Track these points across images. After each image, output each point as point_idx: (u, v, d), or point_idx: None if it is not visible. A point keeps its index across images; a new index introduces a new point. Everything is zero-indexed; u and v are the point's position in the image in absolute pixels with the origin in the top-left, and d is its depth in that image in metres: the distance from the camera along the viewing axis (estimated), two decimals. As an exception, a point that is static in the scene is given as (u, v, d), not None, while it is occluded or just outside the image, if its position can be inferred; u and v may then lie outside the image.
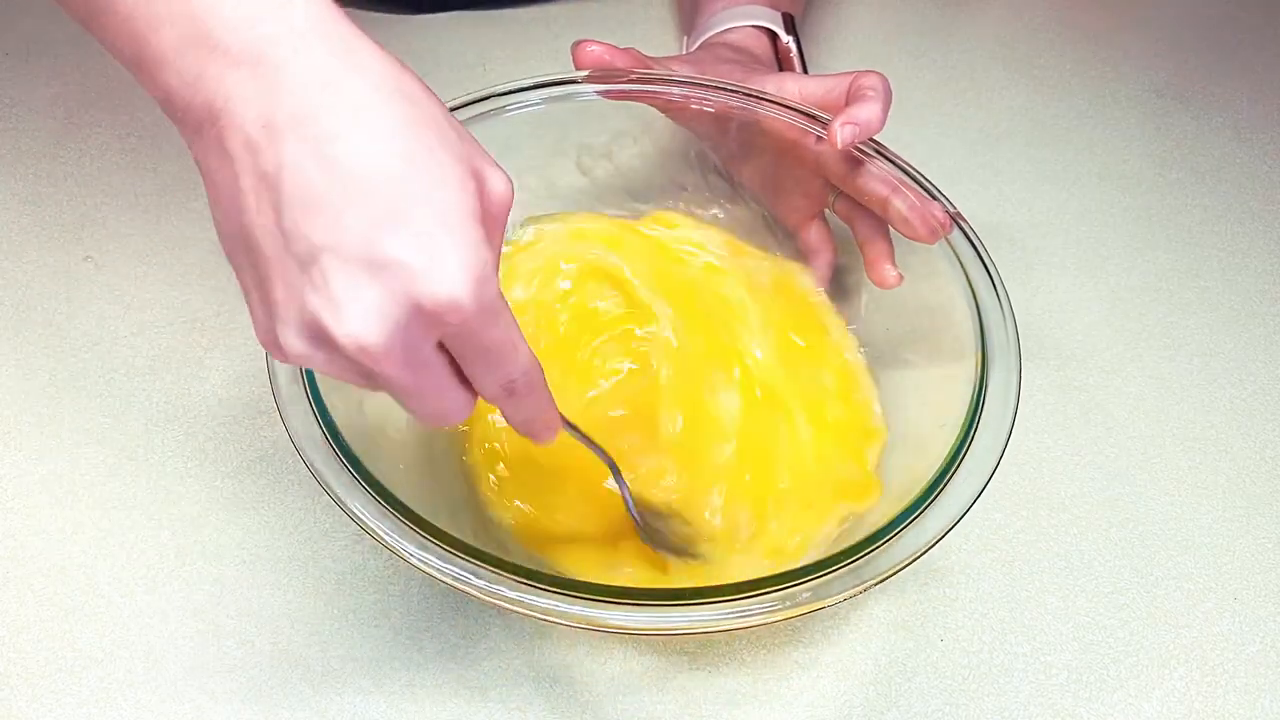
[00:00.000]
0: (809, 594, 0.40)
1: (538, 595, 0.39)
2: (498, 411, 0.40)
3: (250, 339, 0.57)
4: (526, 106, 0.53)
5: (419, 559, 0.39)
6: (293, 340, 0.33)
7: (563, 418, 0.41)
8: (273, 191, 0.31)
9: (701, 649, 0.49)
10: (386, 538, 0.40)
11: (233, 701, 0.46)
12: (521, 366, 0.36)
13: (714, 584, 0.40)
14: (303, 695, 0.47)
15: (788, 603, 0.39)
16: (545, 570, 0.40)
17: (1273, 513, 0.55)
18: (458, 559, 0.39)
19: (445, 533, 0.40)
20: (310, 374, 0.44)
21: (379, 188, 0.31)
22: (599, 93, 0.54)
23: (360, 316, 0.31)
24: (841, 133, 0.49)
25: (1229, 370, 0.61)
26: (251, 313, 0.35)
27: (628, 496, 0.47)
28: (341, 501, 0.41)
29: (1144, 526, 0.54)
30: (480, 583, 0.39)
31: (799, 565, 0.41)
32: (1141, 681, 0.49)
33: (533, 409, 0.38)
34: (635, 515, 0.48)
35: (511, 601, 0.39)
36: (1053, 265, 0.65)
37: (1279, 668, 0.50)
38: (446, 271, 0.31)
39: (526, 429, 0.39)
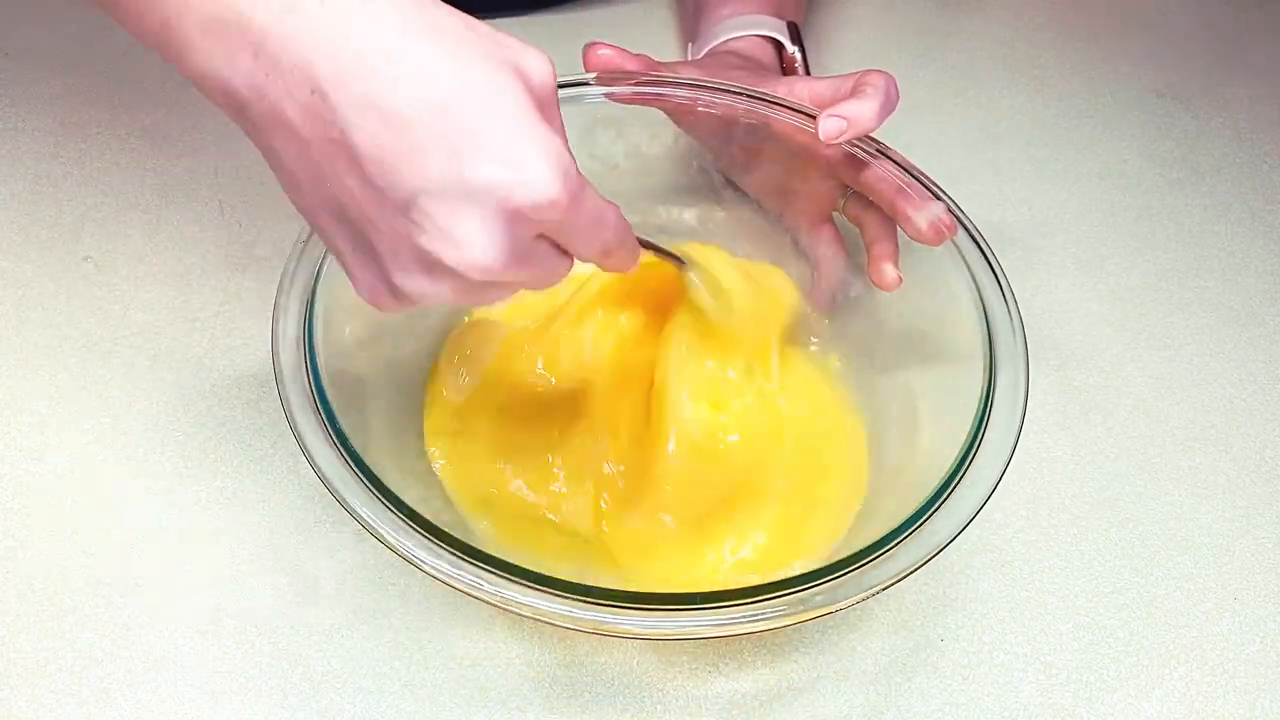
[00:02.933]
0: (822, 597, 0.40)
1: (548, 600, 0.39)
2: None
3: (251, 339, 0.57)
4: None
5: (430, 565, 0.39)
6: (412, 282, 0.35)
7: (639, 241, 0.43)
8: (346, 154, 0.33)
9: (702, 649, 0.49)
10: (391, 540, 0.40)
11: (233, 701, 0.46)
12: (613, 230, 0.38)
13: (725, 589, 0.40)
14: (303, 695, 0.47)
15: (800, 606, 0.39)
16: (550, 574, 0.40)
17: (1273, 513, 0.55)
18: (468, 564, 0.39)
19: (455, 538, 0.40)
20: (317, 376, 0.43)
21: (441, 122, 0.32)
22: (607, 95, 0.54)
23: (475, 243, 0.33)
24: (825, 124, 0.49)
25: (1229, 370, 0.61)
26: (350, 273, 0.36)
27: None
28: (348, 505, 0.41)
29: (1144, 526, 0.54)
30: (491, 588, 0.39)
31: (809, 570, 0.41)
32: (1141, 681, 0.49)
33: (624, 259, 0.40)
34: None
35: (521, 606, 0.39)
36: (1053, 265, 0.65)
37: (1279, 668, 0.50)
38: (533, 175, 0.33)
39: (618, 269, 0.41)
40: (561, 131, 0.36)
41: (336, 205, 0.35)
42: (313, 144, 0.33)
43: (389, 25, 0.33)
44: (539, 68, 0.36)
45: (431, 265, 0.34)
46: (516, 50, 0.35)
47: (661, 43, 0.74)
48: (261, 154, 0.36)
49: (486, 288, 0.36)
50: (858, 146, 0.52)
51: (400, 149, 0.33)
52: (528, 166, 0.33)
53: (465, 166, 0.33)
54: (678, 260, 0.48)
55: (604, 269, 0.41)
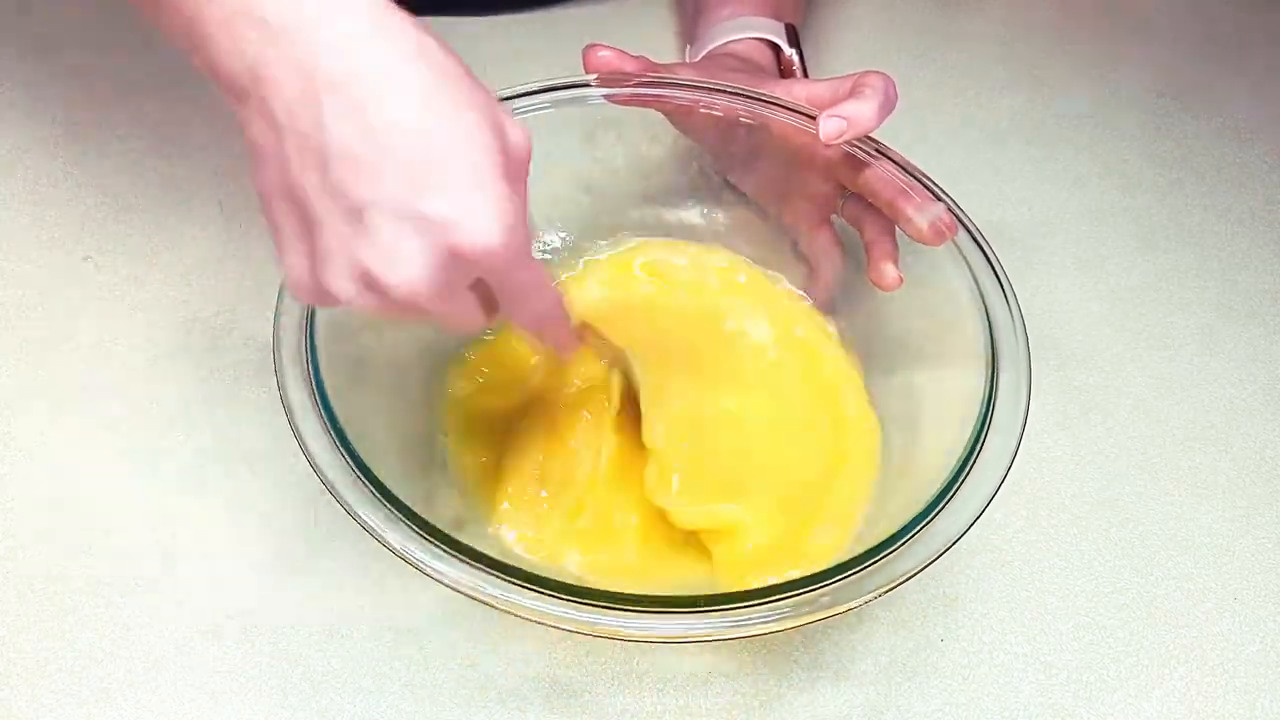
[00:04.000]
0: (826, 599, 0.40)
1: (550, 604, 0.39)
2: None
3: (251, 339, 0.57)
4: (534, 110, 0.53)
5: (433, 570, 0.39)
6: (342, 284, 0.36)
7: (580, 328, 0.46)
8: (317, 151, 0.35)
9: (702, 649, 0.49)
10: (395, 545, 0.40)
11: (233, 701, 0.46)
12: (548, 303, 0.41)
13: (732, 590, 0.40)
14: (303, 695, 0.47)
15: (804, 609, 0.39)
16: (555, 577, 0.40)
17: (1273, 513, 0.55)
18: (474, 569, 0.39)
19: (459, 541, 0.40)
20: (318, 376, 0.43)
21: (413, 149, 0.35)
22: (606, 96, 0.54)
23: (408, 266, 0.35)
24: (825, 124, 0.49)
25: (1229, 370, 0.61)
26: (286, 260, 0.38)
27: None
28: (350, 508, 0.41)
29: (1144, 526, 0.54)
30: (496, 592, 0.39)
31: (814, 572, 0.41)
32: (1141, 681, 0.49)
33: (561, 337, 0.44)
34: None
35: (523, 609, 0.39)
36: (1053, 265, 0.65)
37: (1279, 668, 0.50)
38: (480, 223, 0.35)
39: (556, 351, 0.45)
40: (524, 199, 0.38)
41: (292, 194, 0.36)
42: (289, 132, 0.35)
43: (399, 48, 0.35)
44: (519, 138, 0.38)
45: (363, 274, 0.36)
46: (505, 116, 0.38)
47: (661, 43, 0.74)
48: (243, 129, 0.37)
49: (404, 309, 0.37)
50: (857, 147, 0.52)
51: (367, 158, 0.34)
52: (478, 213, 0.35)
53: (423, 195, 0.34)
54: (616, 357, 0.50)
55: (538, 344, 0.43)
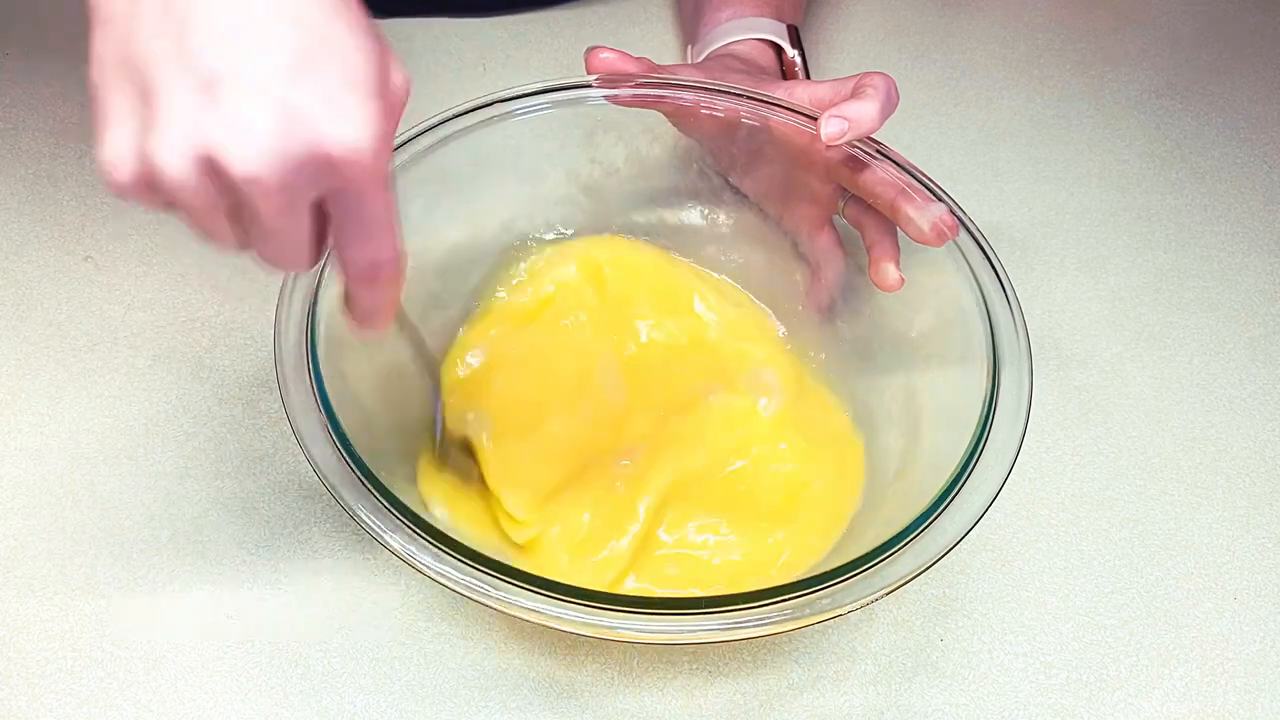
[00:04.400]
0: (827, 601, 0.40)
1: (552, 605, 0.39)
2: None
3: (251, 339, 0.57)
4: (534, 111, 0.53)
5: (435, 570, 0.39)
6: (173, 158, 0.32)
7: (401, 316, 0.42)
8: (179, 19, 0.32)
9: (702, 649, 0.49)
10: (396, 546, 0.40)
11: (233, 701, 0.46)
12: (392, 250, 0.36)
13: (729, 594, 0.40)
14: (303, 695, 0.47)
15: (805, 610, 0.39)
16: (558, 580, 0.40)
17: (1273, 513, 0.55)
18: (473, 569, 0.39)
19: (459, 542, 0.40)
20: (319, 376, 0.43)
21: (295, 37, 0.32)
22: (607, 98, 0.54)
23: (259, 140, 0.31)
24: (827, 125, 0.49)
25: (1229, 370, 0.61)
26: (107, 134, 0.34)
27: (439, 417, 0.50)
28: (351, 509, 0.41)
29: (1144, 526, 0.54)
30: (498, 594, 0.39)
31: (815, 574, 0.41)
32: (1141, 681, 0.49)
33: (383, 299, 0.38)
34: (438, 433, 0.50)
35: (525, 611, 0.39)
36: (1053, 265, 0.65)
37: (1279, 668, 0.50)
38: (352, 125, 0.32)
39: (366, 318, 0.39)
40: (393, 133, 0.35)
41: (133, 62, 0.33)
42: (146, 3, 0.32)
43: None
44: (401, 79, 0.35)
45: (202, 147, 0.32)
46: (391, 53, 0.35)
47: (662, 44, 0.74)
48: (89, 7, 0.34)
49: (234, 208, 0.34)
50: (858, 148, 0.52)
51: (238, 33, 0.31)
52: (350, 114, 0.32)
53: (295, 80, 0.31)
54: (434, 371, 0.50)
55: (353, 317, 0.39)
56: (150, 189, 0.33)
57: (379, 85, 0.33)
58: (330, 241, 0.37)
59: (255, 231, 0.35)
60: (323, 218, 0.36)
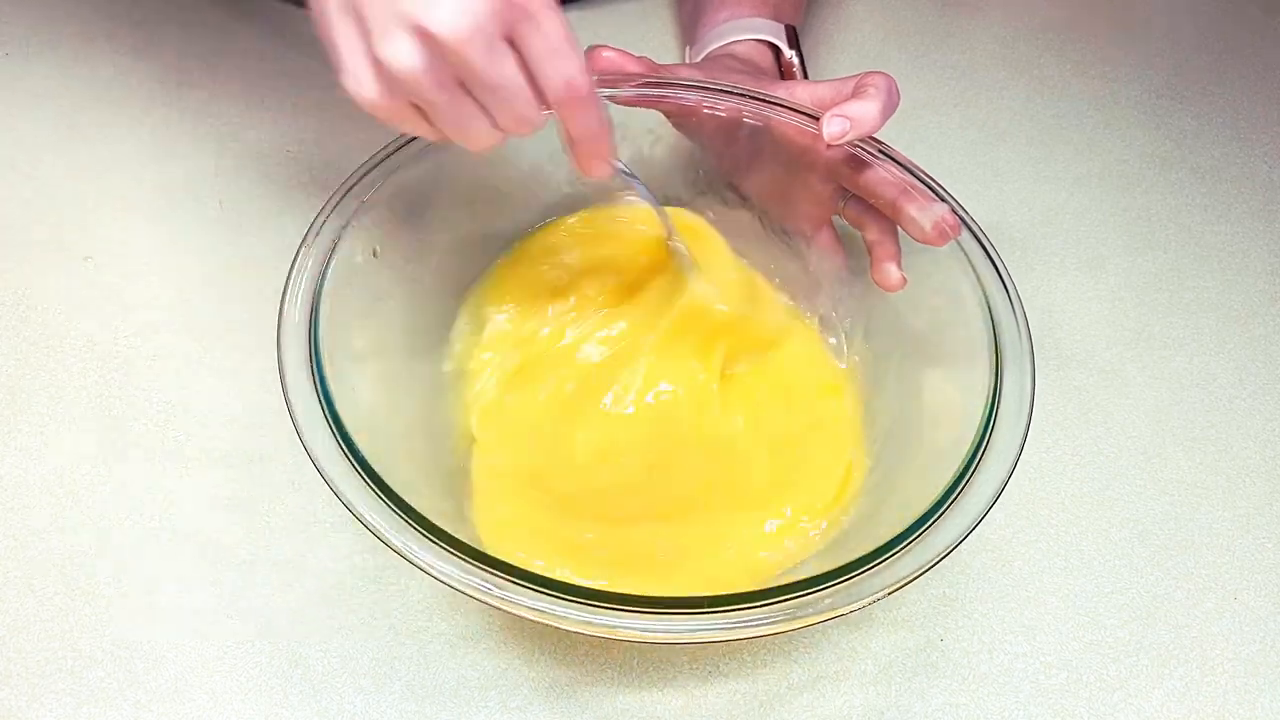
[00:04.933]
0: (829, 601, 0.40)
1: (554, 604, 0.39)
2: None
3: (251, 339, 0.57)
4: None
5: (438, 570, 0.39)
6: (395, 49, 0.39)
7: (616, 162, 0.47)
8: None
9: (702, 649, 0.49)
10: (397, 543, 0.40)
11: (233, 701, 0.46)
12: (578, 64, 0.42)
13: (731, 593, 0.40)
14: (303, 695, 0.47)
15: (807, 610, 0.39)
16: (560, 579, 0.40)
17: (1273, 513, 0.55)
18: (476, 568, 0.39)
19: (461, 541, 0.40)
20: (322, 376, 0.43)
21: None
22: (609, 97, 0.54)
23: (450, 3, 0.38)
24: (829, 125, 0.49)
25: (1229, 370, 0.61)
26: (347, 65, 0.41)
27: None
28: (355, 509, 0.40)
29: (1144, 526, 0.54)
30: (500, 593, 0.39)
31: (816, 574, 0.41)
32: (1141, 681, 0.49)
33: (591, 122, 0.45)
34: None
35: (527, 610, 0.39)
36: (1053, 265, 0.65)
37: (1279, 668, 0.50)
38: None
39: (588, 155, 0.46)
40: None
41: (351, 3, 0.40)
42: None
43: None
44: None
45: (411, 27, 0.38)
46: None
47: (662, 44, 0.74)
48: None
49: (455, 92, 0.40)
50: (860, 147, 0.52)
51: None
52: None
53: None
54: (651, 195, 0.51)
55: (576, 152, 0.45)
56: (393, 91, 0.40)
57: None
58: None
59: (483, 95, 0.41)
60: (530, 78, 0.41)
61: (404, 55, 0.39)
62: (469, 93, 0.41)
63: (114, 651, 0.47)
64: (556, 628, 0.39)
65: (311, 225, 0.48)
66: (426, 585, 0.50)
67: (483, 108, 0.42)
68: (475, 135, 0.43)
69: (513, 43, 0.40)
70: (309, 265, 0.47)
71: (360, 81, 0.40)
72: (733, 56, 0.61)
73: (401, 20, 0.39)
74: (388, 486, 0.41)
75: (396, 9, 0.38)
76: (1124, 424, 0.58)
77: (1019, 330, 0.47)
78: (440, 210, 0.53)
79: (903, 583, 0.40)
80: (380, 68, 0.40)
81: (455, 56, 0.39)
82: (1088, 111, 0.74)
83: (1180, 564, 0.53)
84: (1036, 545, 0.53)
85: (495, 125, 0.43)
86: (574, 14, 0.76)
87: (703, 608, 0.39)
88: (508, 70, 0.41)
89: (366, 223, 0.48)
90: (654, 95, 0.54)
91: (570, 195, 0.57)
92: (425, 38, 0.39)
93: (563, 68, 0.42)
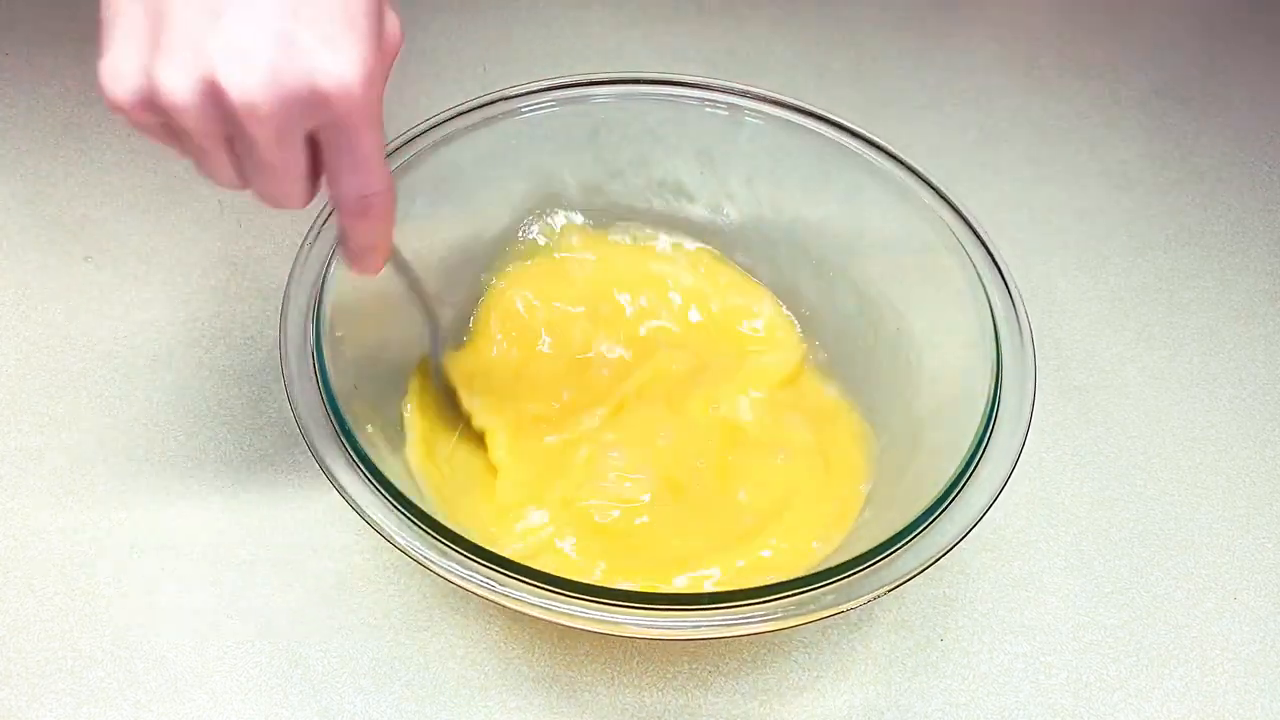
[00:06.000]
0: (831, 598, 0.40)
1: (555, 602, 0.39)
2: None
3: (251, 339, 0.57)
4: (539, 108, 0.53)
5: (440, 565, 0.39)
6: (178, 79, 0.33)
7: (396, 253, 0.44)
8: None
9: (703, 648, 0.49)
10: (401, 541, 0.40)
11: (233, 701, 0.46)
12: (382, 183, 0.38)
13: (732, 589, 0.40)
14: (303, 695, 0.47)
15: (808, 607, 0.39)
16: (559, 575, 0.40)
17: (1273, 513, 0.55)
18: (476, 564, 0.39)
19: (462, 537, 0.40)
20: (324, 376, 0.43)
21: None
22: (610, 98, 0.54)
23: (259, 70, 0.33)
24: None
25: (1229, 370, 0.61)
26: (114, 50, 0.35)
27: (437, 354, 0.52)
28: (360, 509, 0.41)
29: (1144, 526, 0.54)
30: (503, 589, 0.39)
31: (817, 571, 0.41)
32: (1141, 681, 0.49)
33: (377, 234, 0.40)
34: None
35: (529, 607, 0.39)
36: (1053, 265, 0.65)
37: (1279, 668, 0.50)
38: (345, 60, 0.34)
39: (362, 256, 0.41)
40: (385, 76, 0.37)
41: None
42: None
43: None
44: (395, 26, 0.37)
45: (205, 71, 0.33)
46: (388, 3, 0.37)
47: (662, 44, 0.75)
48: None
49: (216, 142, 0.35)
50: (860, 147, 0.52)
51: None
52: (345, 52, 0.34)
53: (297, 10, 0.33)
54: (433, 314, 0.51)
55: (350, 255, 0.41)
56: (149, 108, 0.35)
57: (373, 28, 0.35)
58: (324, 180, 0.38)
59: (251, 164, 0.36)
60: (317, 156, 0.37)
61: (181, 92, 0.33)
62: (233, 149, 0.36)
63: (114, 651, 0.47)
64: (557, 627, 0.39)
65: (312, 225, 0.48)
66: (427, 585, 0.50)
67: (241, 166, 0.37)
68: (222, 181, 0.38)
69: (313, 138, 0.36)
70: (309, 265, 0.47)
71: (118, 81, 0.35)
72: None
73: (198, 57, 0.33)
74: (390, 484, 0.41)
75: (200, 42, 0.33)
76: (1124, 424, 0.58)
77: (1019, 330, 0.47)
78: (440, 210, 0.53)
79: (903, 580, 0.40)
80: (149, 83, 0.34)
81: (237, 123, 0.34)
82: (1088, 111, 0.74)
83: (1180, 564, 0.53)
84: (1036, 545, 0.53)
85: (246, 186, 0.38)
86: (569, 11, 0.76)
87: (704, 603, 0.39)
88: (290, 157, 0.36)
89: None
90: (653, 95, 0.54)
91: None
92: (213, 89, 0.33)
93: (362, 183, 0.38)
